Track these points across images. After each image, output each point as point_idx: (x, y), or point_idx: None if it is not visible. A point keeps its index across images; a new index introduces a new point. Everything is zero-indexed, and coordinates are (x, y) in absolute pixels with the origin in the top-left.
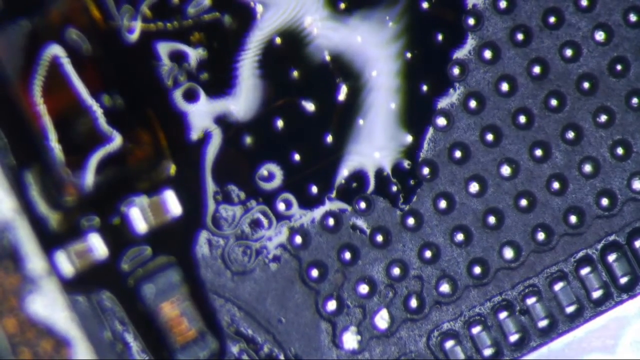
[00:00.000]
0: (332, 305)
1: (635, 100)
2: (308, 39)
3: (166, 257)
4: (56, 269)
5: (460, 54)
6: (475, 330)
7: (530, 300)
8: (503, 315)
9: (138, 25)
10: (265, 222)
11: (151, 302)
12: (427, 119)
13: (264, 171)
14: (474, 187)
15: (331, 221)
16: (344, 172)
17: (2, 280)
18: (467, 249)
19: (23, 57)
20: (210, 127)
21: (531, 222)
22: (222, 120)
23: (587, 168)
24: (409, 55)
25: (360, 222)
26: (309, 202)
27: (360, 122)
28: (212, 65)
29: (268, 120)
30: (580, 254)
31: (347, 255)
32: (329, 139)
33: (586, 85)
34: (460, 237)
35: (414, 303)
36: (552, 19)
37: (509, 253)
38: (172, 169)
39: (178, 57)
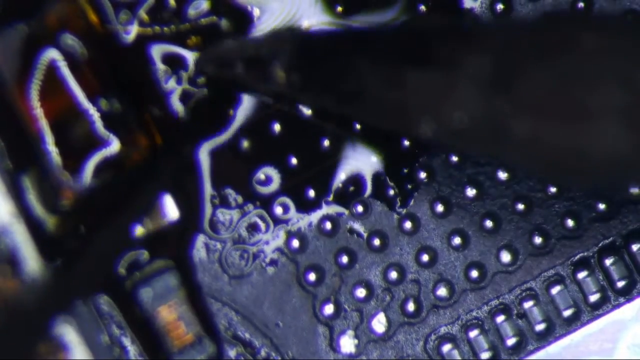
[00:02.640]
0: (329, 309)
1: None
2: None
3: (163, 261)
4: None
5: None
6: (473, 334)
7: (528, 304)
8: (500, 318)
9: (135, 29)
10: (262, 225)
11: (148, 306)
12: None
13: (261, 175)
14: (471, 191)
15: (328, 225)
16: (341, 175)
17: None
18: (464, 252)
19: (20, 61)
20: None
21: (528, 226)
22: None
23: None
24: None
25: (358, 226)
26: (306, 206)
27: (358, 125)
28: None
29: (265, 123)
30: (578, 257)
31: (345, 259)
32: (326, 142)
33: None
34: (457, 240)
35: (411, 307)
36: None
37: (506, 257)
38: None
39: (175, 61)
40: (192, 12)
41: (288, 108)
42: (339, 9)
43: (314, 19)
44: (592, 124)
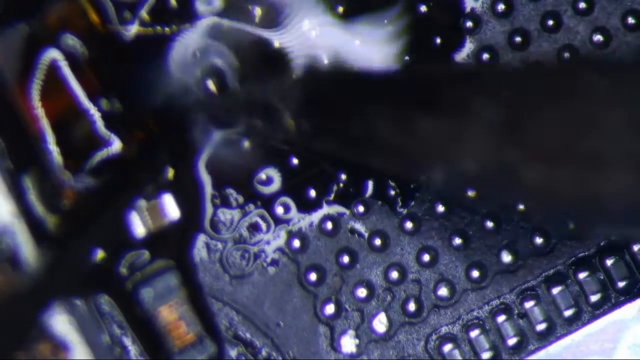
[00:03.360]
0: (330, 309)
1: None
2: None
3: (164, 261)
4: None
5: (459, 57)
6: (474, 333)
7: (529, 304)
8: (501, 318)
9: (136, 29)
10: (263, 225)
11: (149, 306)
12: None
13: (262, 175)
14: (472, 191)
15: (329, 225)
16: (342, 175)
17: (0, 284)
18: (465, 252)
19: (21, 60)
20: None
21: (529, 226)
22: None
23: None
24: (407, 59)
25: (359, 226)
26: (307, 206)
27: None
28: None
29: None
30: (579, 257)
31: (346, 259)
32: None
33: None
34: (458, 240)
35: (412, 307)
36: (550, 22)
37: (507, 256)
38: (170, 173)
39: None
40: (202, 8)
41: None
42: (340, 9)
43: (315, 19)
44: (605, 170)
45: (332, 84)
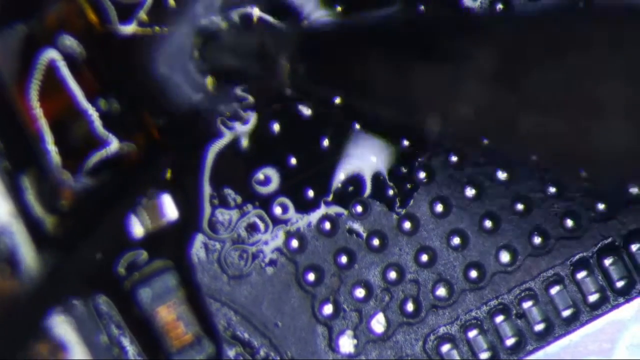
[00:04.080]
0: (328, 309)
1: None
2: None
3: (162, 261)
4: None
5: None
6: (472, 334)
7: (527, 304)
8: (499, 319)
9: (134, 29)
10: (261, 226)
11: (147, 306)
12: None
13: (260, 175)
14: (470, 191)
15: (327, 225)
16: (341, 176)
17: None
18: (463, 252)
19: (19, 61)
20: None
21: (527, 226)
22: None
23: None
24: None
25: (357, 226)
26: (305, 206)
27: (357, 125)
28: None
29: (265, 123)
30: (577, 257)
31: (344, 259)
32: (326, 142)
33: None
34: (456, 240)
35: (410, 307)
36: None
37: (505, 257)
38: (168, 173)
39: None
40: (201, 8)
41: (289, 106)
42: (339, 8)
43: (315, 17)
44: (599, 118)
45: (330, 31)
